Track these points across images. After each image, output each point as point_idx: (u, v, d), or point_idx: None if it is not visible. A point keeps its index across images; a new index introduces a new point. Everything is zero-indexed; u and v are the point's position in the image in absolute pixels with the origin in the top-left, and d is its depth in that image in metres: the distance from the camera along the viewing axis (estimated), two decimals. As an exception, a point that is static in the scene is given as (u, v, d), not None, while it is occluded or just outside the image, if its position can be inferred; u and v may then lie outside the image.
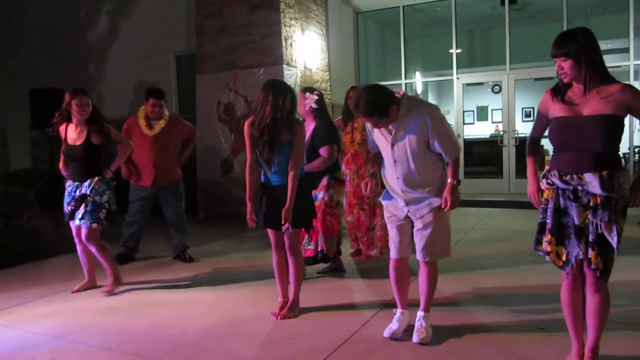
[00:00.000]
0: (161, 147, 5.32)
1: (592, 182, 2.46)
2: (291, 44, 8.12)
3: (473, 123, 14.39)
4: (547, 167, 2.68)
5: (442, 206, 3.12)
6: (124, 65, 9.83)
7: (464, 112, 10.87)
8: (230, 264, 5.28)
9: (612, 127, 2.49)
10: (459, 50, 10.47)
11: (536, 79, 10.80)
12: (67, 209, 4.38)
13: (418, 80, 12.64)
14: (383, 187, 3.42)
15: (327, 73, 9.35)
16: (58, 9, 10.47)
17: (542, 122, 2.78)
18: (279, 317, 3.68)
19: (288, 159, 3.55)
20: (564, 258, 2.60)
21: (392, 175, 3.24)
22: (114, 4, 10.04)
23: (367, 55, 11.36)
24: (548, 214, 2.62)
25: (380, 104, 3.02)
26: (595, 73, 2.50)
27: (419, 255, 3.24)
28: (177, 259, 5.52)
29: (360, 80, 10.97)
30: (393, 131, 3.13)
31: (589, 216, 2.50)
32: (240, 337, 3.43)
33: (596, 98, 2.50)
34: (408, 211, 3.21)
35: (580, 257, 2.54)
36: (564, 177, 2.54)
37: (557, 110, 2.62)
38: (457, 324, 3.47)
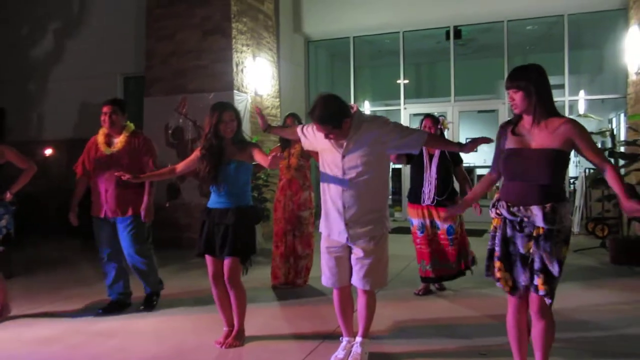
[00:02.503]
0: (118, 169, 4.13)
1: (537, 215, 2.57)
2: (242, 70, 8.14)
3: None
4: (496, 196, 2.78)
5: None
6: (68, 85, 9.57)
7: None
8: (172, 291, 5.13)
9: (558, 161, 2.60)
10: (406, 81, 10.77)
11: (479, 111, 11.23)
12: None
13: (367, 109, 12.88)
14: (317, 217, 3.43)
15: (277, 99, 9.41)
16: (0, 26, 10.13)
17: (497, 155, 2.84)
18: (224, 346, 3.61)
19: (235, 182, 3.55)
20: (510, 284, 2.69)
21: (337, 189, 3.16)
22: (59, 23, 9.81)
23: (317, 83, 11.52)
24: (496, 242, 2.72)
25: (335, 114, 3.05)
26: (543, 107, 2.62)
27: (358, 284, 3.22)
28: (143, 307, 4.55)
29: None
30: (344, 144, 3.14)
31: (532, 246, 2.60)
32: (183, 367, 3.34)
33: (544, 132, 2.62)
34: (347, 236, 3.16)
35: (525, 283, 2.64)
36: (511, 209, 2.64)
37: (508, 141, 2.74)
38: (397, 351, 3.49)
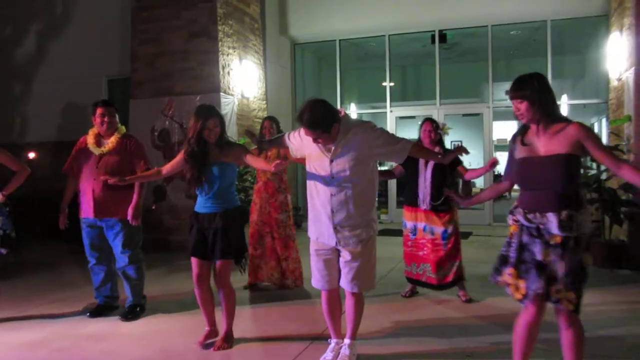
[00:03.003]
0: (107, 169, 4.23)
1: (552, 222, 2.57)
2: (228, 72, 8.14)
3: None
4: (515, 203, 2.79)
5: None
6: (52, 86, 9.47)
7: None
8: (159, 293, 5.12)
9: (568, 166, 2.59)
10: (392, 84, 10.84)
11: (464, 115, 11.33)
12: None
13: (353, 112, 12.94)
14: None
15: (264, 102, 9.42)
16: (-18, 26, 10.01)
17: (509, 163, 2.87)
18: (214, 349, 3.61)
19: (219, 184, 3.57)
20: (522, 292, 2.66)
21: (325, 194, 3.20)
22: (43, 24, 9.71)
23: (303, 86, 11.55)
24: (512, 248, 2.71)
25: (324, 119, 3.08)
26: (548, 113, 2.65)
27: (346, 286, 3.26)
28: (122, 317, 4.39)
29: (297, 110, 11.10)
30: (332, 148, 3.17)
31: (551, 254, 2.59)
32: (172, 371, 3.34)
33: (550, 138, 2.64)
34: (336, 239, 3.20)
35: (540, 291, 2.60)
36: (528, 215, 2.65)
37: (518, 151, 2.75)
38: (385, 353, 3.52)
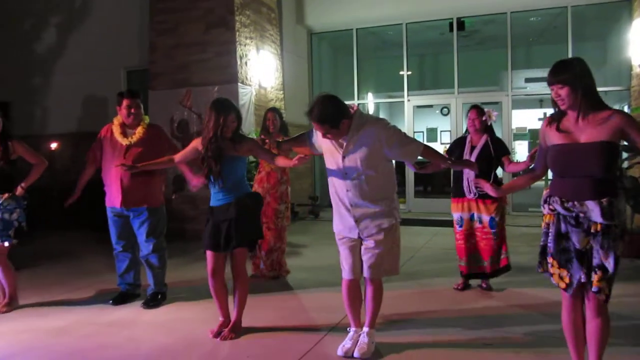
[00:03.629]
0: (134, 160, 4.23)
1: (593, 210, 2.52)
2: (246, 63, 8.16)
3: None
4: (546, 192, 2.74)
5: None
6: (72, 78, 9.60)
7: (414, 133, 11.16)
8: (181, 282, 5.20)
9: (609, 153, 2.53)
10: (409, 73, 10.77)
11: (483, 103, 11.18)
12: None
13: (370, 101, 12.90)
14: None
15: (281, 92, 9.43)
16: (3, 20, 10.15)
17: (542, 150, 2.83)
18: (221, 338, 3.64)
19: (232, 178, 3.61)
20: (567, 280, 2.63)
21: (341, 189, 3.24)
22: (62, 17, 9.82)
23: (320, 75, 11.53)
24: (549, 238, 2.68)
25: (333, 115, 3.10)
26: (590, 100, 2.58)
27: (366, 273, 3.30)
28: (144, 305, 4.45)
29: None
30: (344, 144, 3.19)
31: (591, 242, 2.55)
32: (194, 357, 3.39)
33: (591, 125, 2.57)
34: (358, 231, 3.25)
35: (583, 280, 2.58)
36: (566, 204, 2.59)
37: (554, 138, 2.68)
38: (404, 342, 3.53)
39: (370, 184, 3.19)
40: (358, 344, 3.32)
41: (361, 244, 3.31)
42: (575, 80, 2.56)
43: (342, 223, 3.33)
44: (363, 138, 3.17)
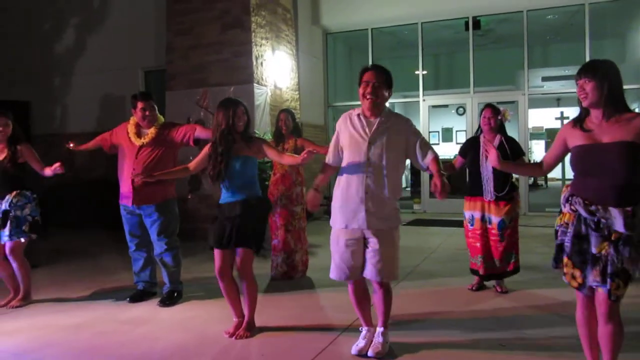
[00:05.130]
0: (145, 160, 4.39)
1: (616, 219, 2.50)
2: (262, 63, 8.21)
3: (438, 144, 14.74)
4: (567, 190, 2.72)
5: (433, 190, 3.13)
6: (90, 79, 9.75)
7: (429, 132, 11.12)
8: (197, 281, 5.26)
9: (632, 154, 2.51)
10: (424, 72, 10.74)
11: (499, 102, 11.12)
12: None
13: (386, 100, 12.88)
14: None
15: (296, 92, 9.47)
16: (24, 22, 10.33)
17: (554, 150, 2.83)
18: (235, 337, 3.66)
19: (242, 177, 3.64)
20: (579, 281, 2.61)
21: (359, 179, 3.19)
22: (81, 18, 9.97)
23: (335, 75, 11.55)
24: (567, 238, 2.65)
25: (389, 75, 3.32)
26: (615, 101, 2.58)
27: (375, 277, 3.23)
28: (160, 303, 4.52)
29: (329, 100, 11.13)
30: (373, 129, 3.22)
31: (608, 248, 2.51)
32: (208, 355, 3.43)
33: (615, 125, 2.56)
34: (367, 223, 3.17)
35: (595, 284, 2.55)
36: (589, 207, 2.56)
37: (577, 138, 2.67)
38: (418, 342, 3.53)
39: (389, 176, 3.20)
40: (372, 343, 3.33)
41: (364, 246, 3.25)
42: (602, 79, 2.56)
43: (349, 214, 3.22)
44: (390, 129, 3.24)
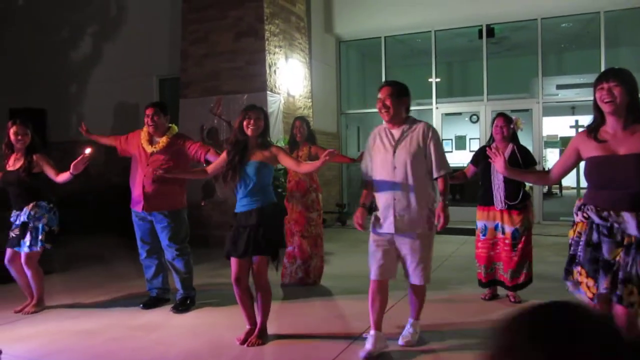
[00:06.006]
0: (156, 167, 4.34)
1: (629, 222, 2.48)
2: (275, 71, 8.25)
3: (451, 152, 14.69)
4: (580, 200, 2.70)
5: (436, 223, 3.35)
6: (105, 86, 9.87)
7: (442, 140, 11.07)
8: (210, 287, 5.28)
9: None
10: (438, 80, 10.72)
11: (512, 111, 11.07)
12: (10, 235, 4.52)
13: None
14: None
15: (309, 100, 9.50)
16: (40, 29, 10.50)
17: (565, 159, 2.81)
18: (247, 344, 3.66)
19: (258, 183, 3.66)
20: (594, 290, 2.57)
21: (388, 182, 3.40)
22: (97, 26, 10.11)
23: (348, 83, 11.57)
24: (580, 247, 2.63)
25: (401, 87, 3.50)
26: (634, 112, 2.55)
27: (411, 279, 3.44)
28: (173, 309, 4.55)
29: (342, 108, 11.15)
30: (397, 137, 3.41)
31: (621, 254, 2.50)
32: (221, 362, 3.44)
33: (631, 137, 2.53)
34: (395, 228, 3.34)
35: (604, 292, 2.52)
36: (602, 213, 2.54)
37: (591, 149, 2.63)
38: (428, 350, 3.50)
39: (415, 182, 3.35)
40: (403, 333, 3.48)
41: (397, 250, 3.42)
42: (628, 86, 2.55)
43: (384, 218, 3.41)
44: (413, 135, 3.41)
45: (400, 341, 3.42)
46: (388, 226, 3.38)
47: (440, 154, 3.42)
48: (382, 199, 3.44)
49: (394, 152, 3.39)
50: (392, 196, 3.36)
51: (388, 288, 3.48)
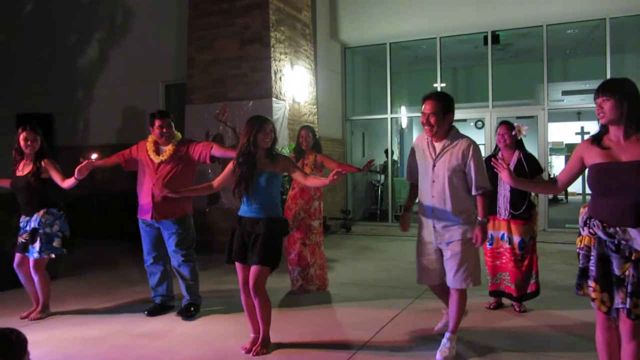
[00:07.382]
0: (165, 176, 4.48)
1: (636, 239, 2.48)
2: (280, 78, 8.28)
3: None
4: (585, 212, 2.70)
5: (473, 241, 3.42)
6: (112, 92, 9.94)
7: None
8: (215, 294, 5.28)
9: None
10: (443, 85, 10.72)
11: (518, 117, 11.07)
12: (19, 240, 4.56)
13: (403, 115, 12.89)
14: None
15: (315, 106, 9.52)
16: (48, 35, 10.58)
17: (571, 167, 2.82)
18: (252, 353, 3.65)
19: (266, 193, 3.65)
20: (608, 304, 2.58)
21: (427, 195, 3.51)
22: (104, 32, 10.17)
23: (354, 90, 11.59)
24: (591, 262, 2.63)
25: (447, 100, 3.48)
26: (634, 120, 2.57)
27: (450, 283, 3.47)
28: (179, 315, 4.60)
29: (347, 114, 11.17)
30: (438, 150, 3.47)
31: (630, 269, 2.50)
32: (225, 370, 3.44)
33: (634, 144, 2.55)
34: (434, 236, 3.49)
35: (620, 306, 2.53)
36: (608, 230, 2.55)
37: (594, 156, 2.65)
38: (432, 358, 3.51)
39: (452, 193, 3.42)
40: (440, 347, 3.50)
41: (441, 254, 3.52)
42: (622, 98, 2.56)
43: (422, 227, 3.60)
44: (455, 149, 3.45)
45: (438, 356, 3.44)
46: (430, 236, 3.53)
47: (480, 172, 3.43)
48: (422, 207, 3.59)
49: (434, 165, 3.48)
50: (430, 208, 3.49)
51: (446, 290, 3.60)
